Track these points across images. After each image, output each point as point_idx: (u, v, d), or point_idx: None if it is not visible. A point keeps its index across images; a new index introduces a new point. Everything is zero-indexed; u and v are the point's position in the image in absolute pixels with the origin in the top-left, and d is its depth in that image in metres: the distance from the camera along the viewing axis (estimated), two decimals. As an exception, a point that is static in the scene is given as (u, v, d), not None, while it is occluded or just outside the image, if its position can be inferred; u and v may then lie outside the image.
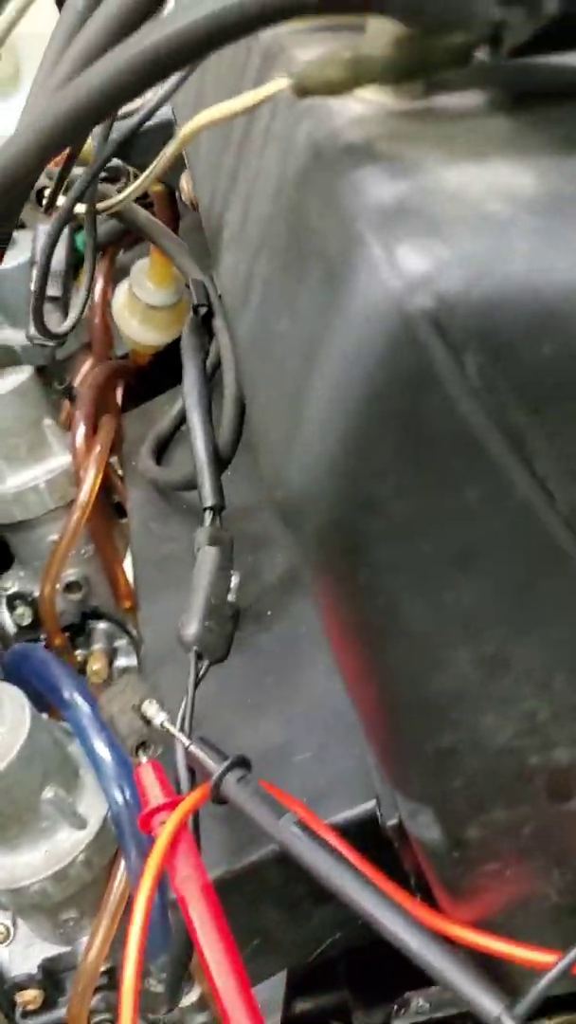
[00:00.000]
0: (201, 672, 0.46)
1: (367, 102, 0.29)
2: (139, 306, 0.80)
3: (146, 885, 0.38)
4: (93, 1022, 0.65)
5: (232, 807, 0.40)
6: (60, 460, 0.86)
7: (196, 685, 0.45)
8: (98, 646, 0.94)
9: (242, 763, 0.41)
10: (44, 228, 0.58)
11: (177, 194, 0.76)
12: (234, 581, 0.50)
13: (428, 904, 0.37)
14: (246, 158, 0.41)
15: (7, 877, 0.58)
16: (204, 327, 0.65)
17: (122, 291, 0.82)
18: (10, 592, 0.94)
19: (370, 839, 0.40)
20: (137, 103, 0.70)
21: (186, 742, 0.42)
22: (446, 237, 0.22)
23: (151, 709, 0.45)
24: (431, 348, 0.22)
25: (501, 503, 0.24)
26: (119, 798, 0.55)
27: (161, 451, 0.78)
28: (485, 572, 0.26)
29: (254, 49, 0.42)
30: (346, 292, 0.23)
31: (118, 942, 0.61)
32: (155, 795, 0.42)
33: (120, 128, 0.69)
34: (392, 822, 0.40)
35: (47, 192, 0.60)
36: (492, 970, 0.34)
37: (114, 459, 0.87)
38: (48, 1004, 0.66)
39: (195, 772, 0.43)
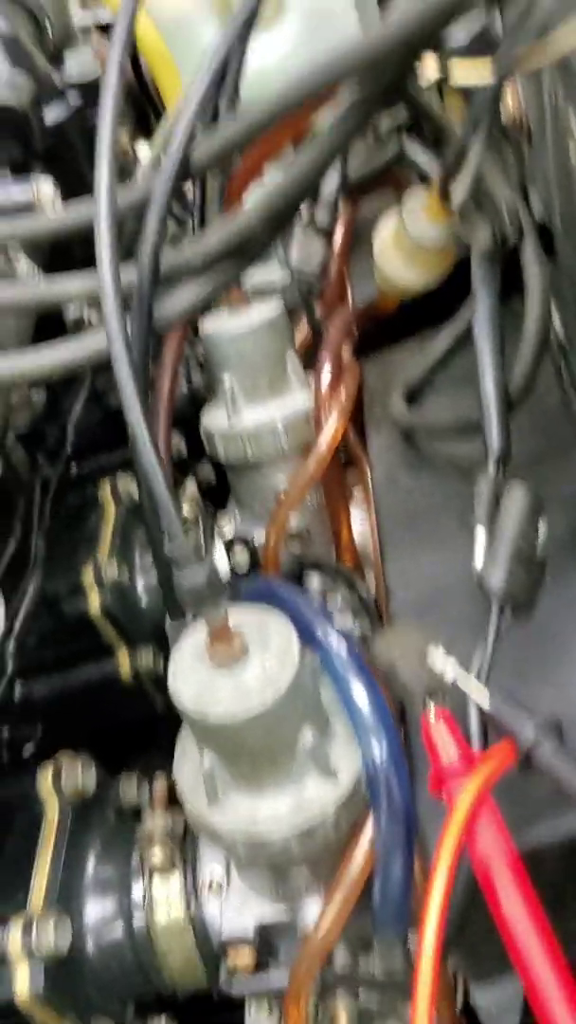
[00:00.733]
0: (504, 623, 0.40)
1: None
2: (406, 243, 0.73)
3: (446, 856, 0.33)
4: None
5: (539, 774, 0.34)
6: (298, 399, 0.81)
7: (496, 636, 0.39)
8: (312, 600, 0.90)
9: (555, 727, 0.35)
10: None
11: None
12: (542, 530, 0.43)
13: None
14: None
15: (247, 819, 0.52)
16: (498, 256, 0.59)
17: (388, 225, 0.75)
18: (229, 536, 0.90)
19: None
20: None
21: (486, 698, 0.37)
22: None
23: (439, 657, 0.39)
24: None
25: None
26: (377, 753, 0.49)
27: (411, 400, 0.73)
28: None
29: None
30: None
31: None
32: (449, 753, 0.37)
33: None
34: None
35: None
36: None
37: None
38: (259, 967, 0.61)
39: (486, 729, 0.37)
